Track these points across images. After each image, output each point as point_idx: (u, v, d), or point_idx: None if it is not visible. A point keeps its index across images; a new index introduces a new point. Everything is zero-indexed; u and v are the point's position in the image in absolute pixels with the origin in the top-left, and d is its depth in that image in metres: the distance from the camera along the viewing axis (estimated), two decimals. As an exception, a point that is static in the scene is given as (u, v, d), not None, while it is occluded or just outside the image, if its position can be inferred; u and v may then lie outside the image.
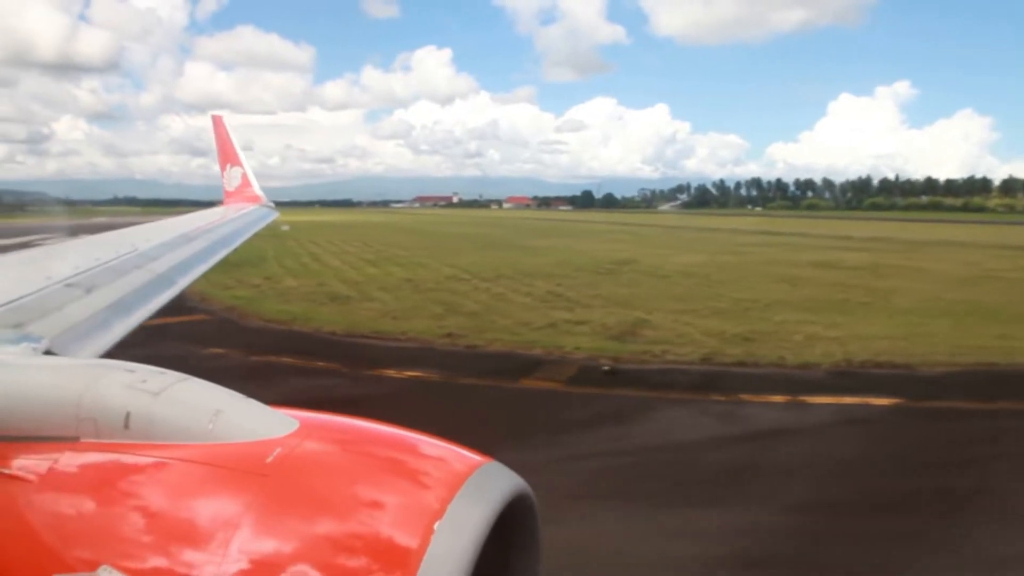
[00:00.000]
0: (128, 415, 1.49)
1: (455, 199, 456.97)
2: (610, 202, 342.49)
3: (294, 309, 22.60)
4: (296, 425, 1.46)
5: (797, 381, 14.40)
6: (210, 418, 1.46)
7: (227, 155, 12.25)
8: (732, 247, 51.51)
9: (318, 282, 29.77)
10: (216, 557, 1.24)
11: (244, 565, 1.23)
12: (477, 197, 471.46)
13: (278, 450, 1.38)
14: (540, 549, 1.48)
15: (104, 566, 1.28)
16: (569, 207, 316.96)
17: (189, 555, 1.26)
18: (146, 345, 3.40)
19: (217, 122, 12.66)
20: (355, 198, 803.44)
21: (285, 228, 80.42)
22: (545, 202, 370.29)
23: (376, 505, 1.29)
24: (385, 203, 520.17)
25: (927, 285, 28.64)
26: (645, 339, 18.09)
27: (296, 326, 20.17)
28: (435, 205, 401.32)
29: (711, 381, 14.34)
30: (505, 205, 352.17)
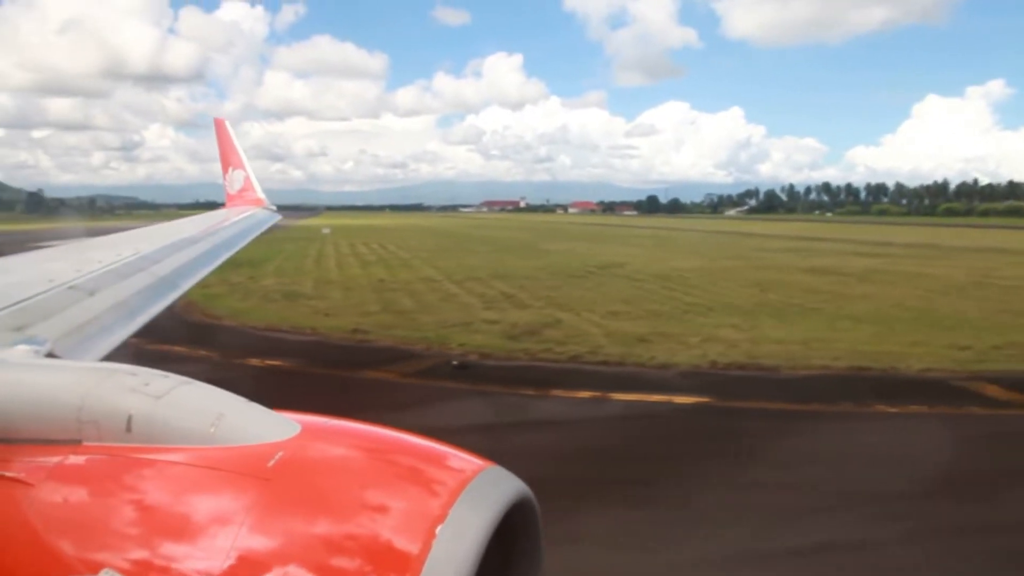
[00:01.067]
0: (130, 418, 1.48)
1: (522, 204, 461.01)
2: (676, 207, 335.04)
3: (241, 306, 23.58)
4: (298, 429, 1.46)
5: (635, 379, 14.81)
6: (212, 421, 1.45)
7: (230, 158, 12.20)
8: (746, 252, 51.38)
9: (293, 281, 31.05)
10: (218, 560, 1.23)
11: (246, 568, 1.22)
12: (544, 202, 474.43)
13: (280, 454, 1.37)
14: (542, 553, 1.47)
15: (106, 569, 1.27)
16: (634, 212, 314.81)
17: (191, 558, 1.25)
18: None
19: (219, 126, 12.73)
20: (426, 202, 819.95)
21: (325, 231, 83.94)
22: (610, 207, 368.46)
23: (378, 509, 1.28)
24: (454, 207, 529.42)
25: (904, 292, 27.92)
26: (539, 338, 18.52)
27: (226, 321, 21.10)
28: (502, 209, 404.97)
29: (549, 377, 14.73)
30: (571, 210, 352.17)
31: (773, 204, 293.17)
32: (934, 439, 11.34)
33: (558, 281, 31.43)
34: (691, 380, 14.61)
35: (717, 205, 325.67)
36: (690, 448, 10.79)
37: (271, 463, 1.35)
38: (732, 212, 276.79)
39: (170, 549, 1.27)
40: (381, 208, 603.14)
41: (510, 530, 1.36)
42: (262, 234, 10.26)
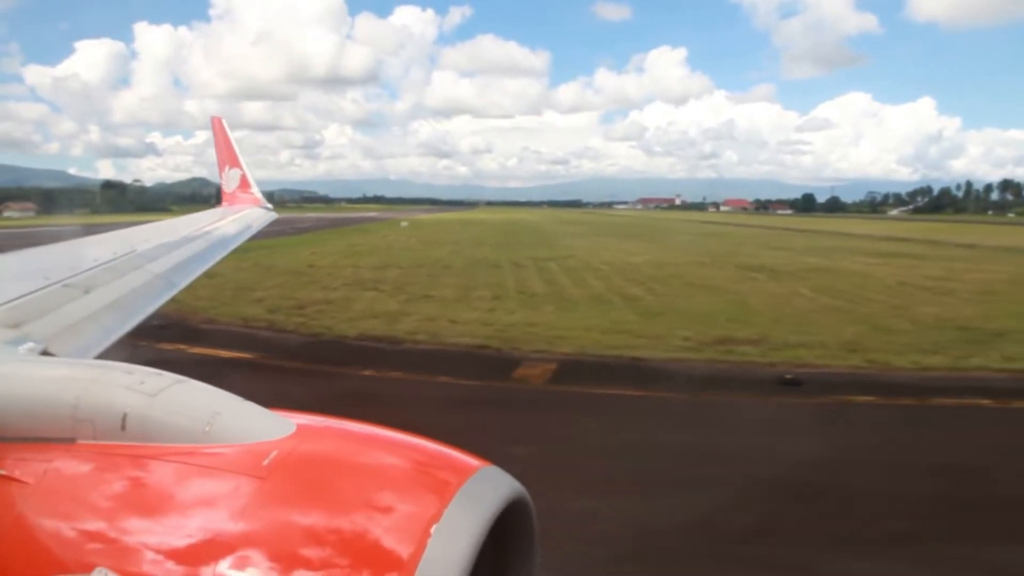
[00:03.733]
0: (125, 416, 1.48)
1: (677, 201, 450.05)
2: (835, 206, 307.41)
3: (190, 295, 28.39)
4: (293, 428, 1.46)
5: (254, 340, 17.55)
6: (207, 420, 1.45)
7: (226, 157, 12.31)
8: (752, 250, 49.76)
9: (273, 271, 32.99)
10: (212, 560, 1.22)
11: (240, 568, 1.21)
12: (701, 199, 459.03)
13: (275, 453, 1.37)
14: (537, 553, 1.47)
15: (100, 568, 1.27)
16: (789, 211, 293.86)
17: (185, 557, 1.25)
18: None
19: (216, 124, 12.77)
20: (584, 199, 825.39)
21: (404, 224, 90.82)
22: (764, 206, 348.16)
23: (373, 508, 1.27)
24: (609, 204, 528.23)
25: (814, 291, 27.27)
26: (298, 312, 21.75)
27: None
28: (656, 207, 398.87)
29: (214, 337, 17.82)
30: (723, 208, 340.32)
31: (942, 204, 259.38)
32: (400, 398, 13.00)
33: (487, 271, 33.85)
34: (285, 343, 17.58)
35: (878, 204, 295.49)
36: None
37: (266, 462, 1.35)
38: (895, 212, 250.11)
39: (164, 548, 1.27)
40: (540, 204, 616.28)
41: (505, 530, 1.36)
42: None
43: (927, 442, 11.33)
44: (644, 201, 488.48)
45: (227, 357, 16.32)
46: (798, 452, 10.48)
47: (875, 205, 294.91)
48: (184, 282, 4.76)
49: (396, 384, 14.41)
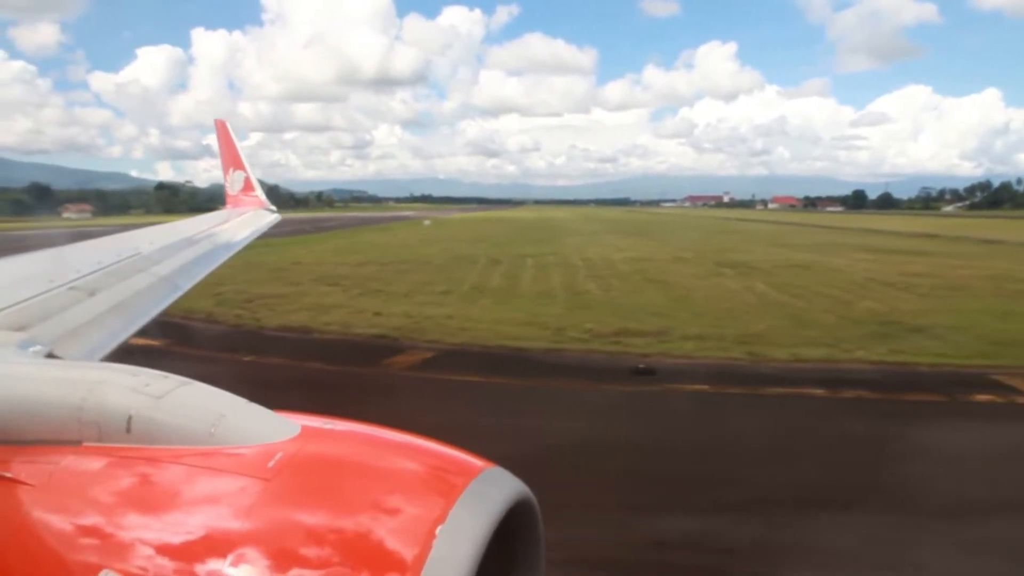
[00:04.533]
0: (130, 419, 1.46)
1: (726, 199, 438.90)
2: (887, 203, 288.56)
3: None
4: (298, 429, 1.44)
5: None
6: (212, 422, 1.44)
7: (230, 159, 12.29)
8: (777, 248, 48.21)
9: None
10: (218, 562, 1.21)
11: (246, 570, 1.20)
12: (750, 197, 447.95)
13: (280, 455, 1.35)
14: (542, 554, 1.45)
15: (106, 570, 1.25)
16: (840, 208, 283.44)
17: (191, 560, 1.23)
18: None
19: (220, 126, 12.71)
20: (633, 197, 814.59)
21: (426, 223, 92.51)
22: (812, 203, 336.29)
23: (378, 510, 1.26)
24: (658, 202, 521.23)
25: (771, 286, 27.13)
26: (251, 307, 22.45)
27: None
28: (704, 205, 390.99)
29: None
30: (771, 206, 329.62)
31: (1000, 199, 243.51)
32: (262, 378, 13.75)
33: (463, 268, 34.61)
34: (203, 332, 18.23)
35: (932, 200, 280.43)
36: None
37: (271, 464, 1.33)
38: (949, 208, 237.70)
39: (170, 550, 1.25)
40: (587, 203, 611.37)
41: (510, 531, 1.34)
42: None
43: (707, 425, 11.53)
44: (692, 199, 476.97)
45: (135, 344, 17.03)
46: (585, 433, 10.75)
47: (928, 201, 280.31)
48: (188, 284, 4.71)
49: (263, 368, 14.99)
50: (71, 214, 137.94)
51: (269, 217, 10.28)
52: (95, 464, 1.44)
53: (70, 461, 1.45)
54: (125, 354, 2.74)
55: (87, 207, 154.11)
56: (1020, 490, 8.90)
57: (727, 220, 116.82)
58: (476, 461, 1.40)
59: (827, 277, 30.27)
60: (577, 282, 28.65)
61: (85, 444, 1.48)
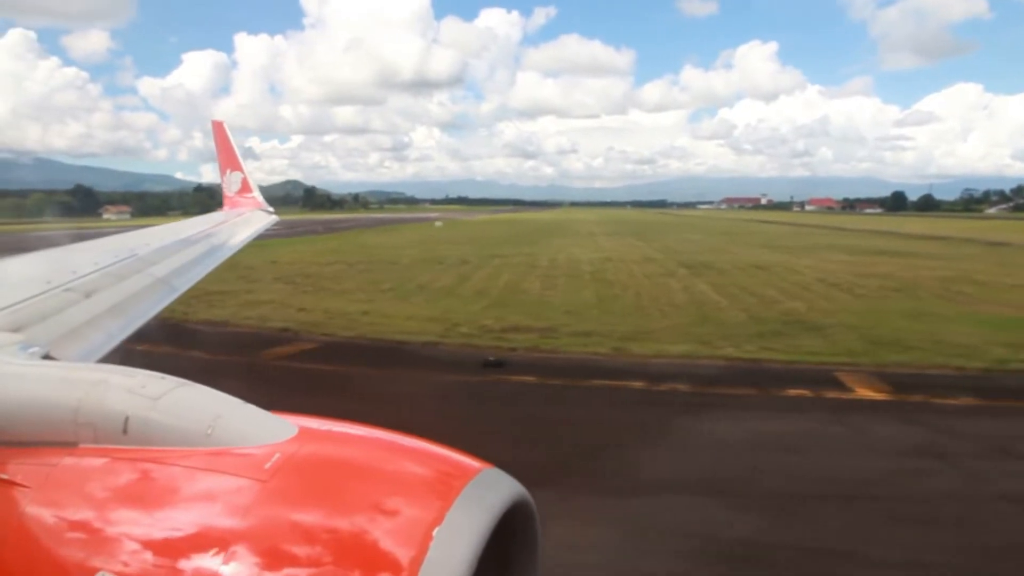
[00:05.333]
0: (127, 420, 1.44)
1: (763, 201, 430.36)
2: (927, 205, 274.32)
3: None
4: (295, 431, 1.42)
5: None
6: (209, 423, 1.42)
7: (227, 160, 12.20)
8: (762, 250, 47.51)
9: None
10: (215, 564, 1.19)
11: (242, 571, 1.18)
12: (789, 198, 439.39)
13: (277, 456, 1.33)
14: (539, 556, 1.44)
15: (103, 572, 1.24)
16: (879, 210, 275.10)
17: (188, 562, 1.21)
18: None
19: (217, 127, 12.55)
20: (670, 199, 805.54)
21: (438, 224, 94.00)
22: (851, 205, 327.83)
23: (375, 511, 1.24)
24: (694, 204, 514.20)
25: (712, 287, 27.11)
26: (192, 303, 22.82)
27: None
28: (740, 207, 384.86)
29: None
30: (808, 208, 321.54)
31: None
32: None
33: (413, 266, 35.68)
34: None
35: (973, 202, 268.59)
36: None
37: (268, 465, 1.31)
38: (992, 211, 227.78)
39: (166, 552, 1.23)
40: (624, 204, 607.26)
41: (507, 533, 1.32)
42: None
43: (492, 409, 11.87)
44: (729, 201, 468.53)
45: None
46: (378, 414, 11.26)
47: (970, 203, 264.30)
48: (185, 286, 4.66)
49: (145, 355, 15.85)
50: (110, 215, 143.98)
51: (266, 218, 10.19)
52: (92, 465, 1.41)
53: (67, 462, 1.43)
54: (121, 355, 2.72)
55: (126, 208, 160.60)
56: (715, 472, 8.99)
57: (746, 222, 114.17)
58: (473, 463, 1.38)
59: (777, 278, 29.80)
60: (522, 282, 28.57)
61: (82, 445, 1.46)
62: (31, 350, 2.17)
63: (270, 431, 1.41)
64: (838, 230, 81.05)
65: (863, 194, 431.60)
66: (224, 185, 12.04)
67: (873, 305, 22.69)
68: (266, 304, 22.95)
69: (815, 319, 19.85)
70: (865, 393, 12.62)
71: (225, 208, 11.28)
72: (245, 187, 11.90)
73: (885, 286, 27.33)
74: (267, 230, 9.75)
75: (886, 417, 11.32)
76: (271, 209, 11.17)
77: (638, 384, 13.35)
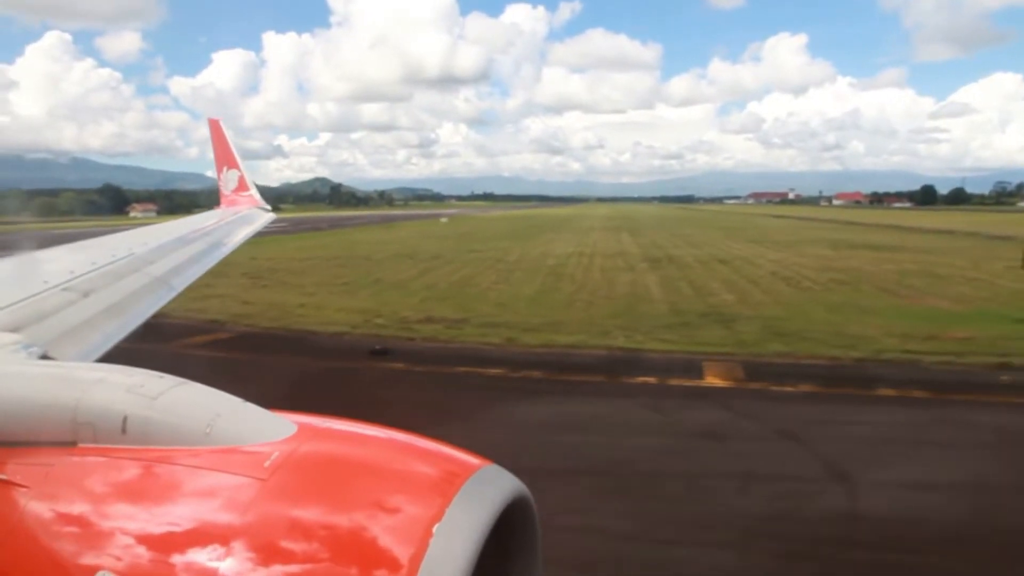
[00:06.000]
0: (125, 419, 1.43)
1: (791, 195, 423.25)
2: (958, 198, 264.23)
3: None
4: (294, 429, 1.40)
5: None
6: (208, 422, 1.40)
7: (224, 158, 12.07)
8: (743, 244, 47.49)
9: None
10: (214, 562, 1.17)
11: (242, 570, 1.16)
12: (818, 193, 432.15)
13: (276, 454, 1.32)
14: (539, 551, 1.43)
15: (103, 571, 1.22)
16: (907, 204, 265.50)
17: (187, 560, 1.20)
18: None
19: (214, 125, 12.44)
20: (698, 194, 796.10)
21: (443, 220, 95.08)
22: (879, 199, 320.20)
23: (374, 509, 1.23)
24: (721, 199, 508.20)
25: (658, 281, 27.48)
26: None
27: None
28: (768, 202, 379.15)
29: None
30: (834, 202, 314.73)
31: None
32: None
33: (384, 262, 36.23)
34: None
35: (1005, 195, 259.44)
36: None
37: (267, 463, 1.30)
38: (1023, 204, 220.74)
39: (166, 551, 1.22)
40: (650, 200, 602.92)
41: (507, 528, 1.32)
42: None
43: (342, 390, 12.38)
44: (756, 196, 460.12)
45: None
46: (252, 392, 11.86)
47: (1002, 196, 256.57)
48: (182, 285, 4.62)
49: None
50: (136, 213, 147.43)
51: (263, 216, 10.13)
52: (91, 465, 1.40)
53: (66, 462, 1.41)
54: (119, 355, 2.70)
55: (152, 206, 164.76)
56: (478, 448, 9.26)
57: (759, 217, 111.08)
58: (473, 459, 1.37)
59: (733, 271, 29.68)
60: (478, 276, 28.74)
61: (81, 445, 1.44)
62: (29, 350, 2.13)
63: (269, 429, 1.40)
64: (847, 224, 79.78)
65: (895, 188, 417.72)
66: (221, 183, 11.97)
67: (808, 298, 22.70)
68: (216, 297, 23.54)
69: (735, 312, 19.92)
70: (712, 381, 12.82)
71: (223, 206, 11.20)
72: (242, 185, 11.82)
73: (836, 279, 27.22)
74: (265, 227, 9.71)
75: (705, 403, 11.48)
76: (268, 207, 11.16)
77: (497, 371, 13.63)
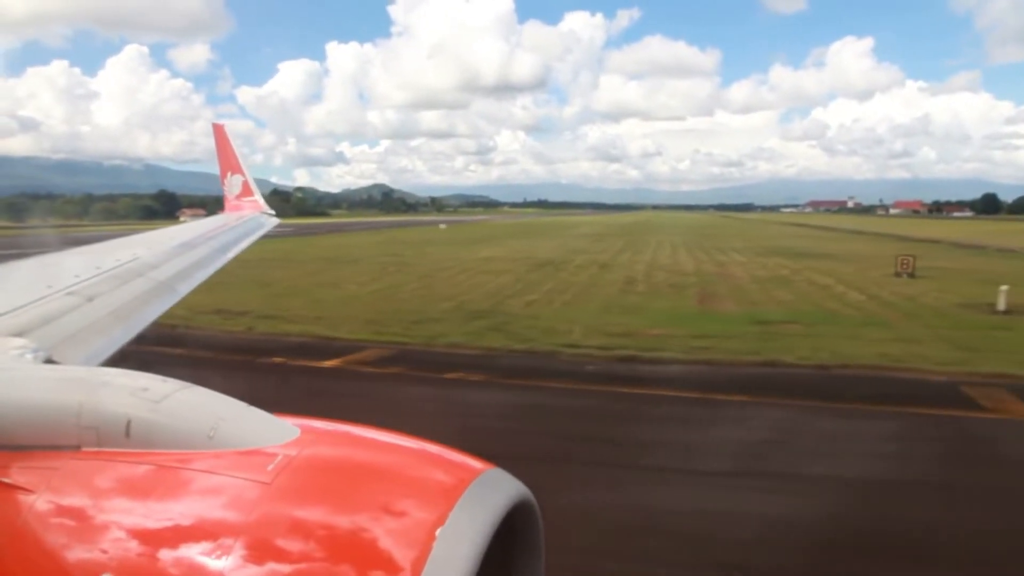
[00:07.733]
0: (129, 423, 1.43)
1: (850, 204, 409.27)
2: (1022, 207, 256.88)
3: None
4: (297, 433, 1.41)
5: None
6: (211, 426, 1.40)
7: (228, 163, 12.14)
8: (727, 253, 48.66)
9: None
10: (219, 565, 1.18)
11: (246, 573, 1.17)
12: (878, 202, 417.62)
13: (279, 458, 1.32)
14: (543, 556, 1.43)
15: (106, 574, 1.23)
16: (970, 213, 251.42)
17: (191, 564, 1.20)
18: None
19: (218, 130, 12.46)
20: (757, 202, 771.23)
21: (441, 227, 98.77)
22: (939, 208, 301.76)
23: (377, 512, 1.23)
24: (777, 208, 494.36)
25: (534, 281, 29.77)
26: None
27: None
28: (827, 210, 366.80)
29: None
30: (892, 211, 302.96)
31: None
32: None
33: (335, 264, 39.34)
34: None
35: None
36: None
37: (270, 467, 1.30)
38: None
39: (169, 555, 1.22)
40: (707, 208, 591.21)
41: (511, 532, 1.32)
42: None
43: None
44: (813, 204, 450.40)
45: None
46: None
47: None
48: (187, 289, 4.63)
49: None
50: (186, 218, 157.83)
51: (267, 221, 10.17)
52: (94, 469, 1.40)
53: (69, 466, 1.41)
54: (124, 359, 2.74)
55: (202, 211, 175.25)
56: None
57: (787, 227, 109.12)
58: (476, 463, 1.37)
59: (590, 276, 32.24)
60: (399, 280, 31.16)
61: (84, 449, 1.44)
62: (33, 354, 2.14)
63: (272, 433, 1.40)
64: (852, 233, 79.04)
65: (968, 196, 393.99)
66: (225, 188, 11.95)
67: (612, 299, 24.63)
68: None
69: (494, 310, 21.91)
70: (352, 363, 15.46)
71: (227, 211, 11.26)
72: (246, 190, 11.81)
73: (682, 283, 29.06)
74: (267, 232, 9.79)
75: (302, 376, 14.04)
76: (272, 211, 11.23)
77: (206, 354, 16.00)
